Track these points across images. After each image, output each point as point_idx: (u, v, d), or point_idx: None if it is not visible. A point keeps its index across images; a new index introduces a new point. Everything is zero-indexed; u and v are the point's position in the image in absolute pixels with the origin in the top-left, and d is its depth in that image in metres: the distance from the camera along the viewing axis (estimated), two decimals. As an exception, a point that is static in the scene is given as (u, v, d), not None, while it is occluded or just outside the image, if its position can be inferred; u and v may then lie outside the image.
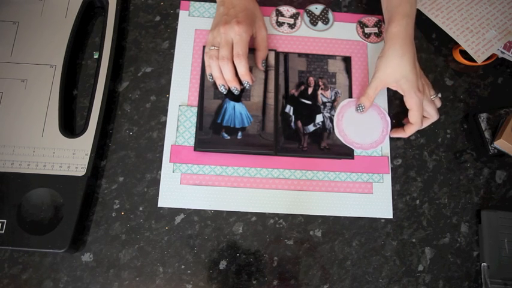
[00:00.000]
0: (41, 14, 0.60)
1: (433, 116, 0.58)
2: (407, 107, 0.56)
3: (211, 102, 0.59)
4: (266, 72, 0.61)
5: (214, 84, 0.59)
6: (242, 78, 0.56)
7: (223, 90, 0.57)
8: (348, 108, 0.61)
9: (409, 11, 0.55)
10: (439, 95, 0.60)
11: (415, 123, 0.57)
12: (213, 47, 0.56)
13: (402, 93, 0.56)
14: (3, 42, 0.58)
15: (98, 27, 0.63)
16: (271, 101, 0.60)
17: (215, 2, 0.65)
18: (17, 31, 0.59)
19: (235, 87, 0.57)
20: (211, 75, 0.57)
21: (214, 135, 0.58)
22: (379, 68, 0.57)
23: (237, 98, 0.60)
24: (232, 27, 0.54)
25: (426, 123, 0.59)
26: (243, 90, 0.60)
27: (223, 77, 0.56)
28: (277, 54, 0.63)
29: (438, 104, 0.60)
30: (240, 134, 0.58)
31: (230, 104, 0.59)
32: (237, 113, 0.59)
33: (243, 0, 0.57)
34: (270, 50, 0.63)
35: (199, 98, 0.60)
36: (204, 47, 0.62)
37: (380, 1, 0.62)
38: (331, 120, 0.60)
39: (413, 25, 0.56)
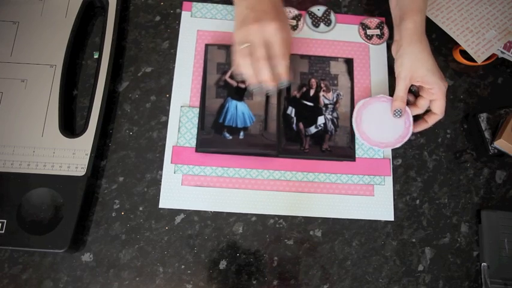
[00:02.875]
0: (41, 14, 0.60)
1: (441, 113, 0.57)
2: (433, 98, 0.56)
3: (213, 102, 0.59)
4: None
5: (217, 83, 0.59)
6: (280, 78, 0.52)
7: (258, 89, 0.53)
8: (363, 110, 0.60)
9: (422, 6, 0.56)
10: None
11: (441, 113, 0.57)
12: (245, 45, 0.51)
13: (428, 87, 0.56)
14: (3, 42, 0.58)
15: (98, 27, 0.63)
16: (273, 100, 0.60)
17: (217, 3, 0.65)
18: (17, 31, 0.59)
19: (273, 88, 0.52)
20: (240, 74, 0.53)
21: (216, 135, 0.58)
22: (402, 66, 0.56)
23: (239, 97, 0.59)
24: (264, 25, 0.50)
25: (433, 121, 0.58)
26: (245, 89, 0.59)
27: (257, 76, 0.52)
28: None
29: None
30: (242, 133, 0.58)
31: (232, 104, 0.59)
32: (239, 112, 0.59)
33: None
34: None
35: (201, 98, 0.60)
36: (206, 45, 0.61)
37: (380, 2, 0.62)
38: (333, 122, 0.60)
39: (425, 20, 0.56)
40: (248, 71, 0.52)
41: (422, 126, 0.59)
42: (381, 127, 0.59)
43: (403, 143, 0.59)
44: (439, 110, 0.57)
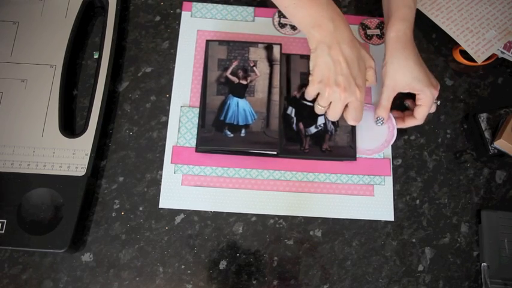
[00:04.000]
0: (41, 14, 0.60)
1: (421, 120, 0.57)
2: (419, 103, 0.56)
3: (213, 99, 0.59)
4: (271, 66, 0.60)
5: (218, 80, 0.59)
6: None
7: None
8: None
9: (407, 15, 0.55)
10: (438, 102, 0.60)
11: (420, 120, 0.57)
12: (322, 108, 0.54)
13: (416, 93, 0.56)
14: (3, 42, 0.58)
15: (98, 27, 0.63)
16: (276, 97, 0.59)
17: (217, 3, 0.65)
18: (17, 31, 0.59)
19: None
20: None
21: (216, 132, 0.57)
22: (387, 76, 0.56)
23: (240, 94, 0.59)
24: (353, 93, 0.51)
25: (410, 124, 0.59)
26: (246, 85, 0.59)
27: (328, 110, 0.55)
28: (280, 54, 0.62)
29: (433, 109, 0.59)
30: (243, 131, 0.57)
31: (233, 101, 0.59)
32: (241, 109, 0.58)
33: (354, 51, 0.51)
34: (275, 44, 0.61)
35: (201, 95, 0.59)
36: (207, 41, 0.61)
37: (380, 2, 0.62)
38: (333, 122, 0.60)
39: (412, 27, 0.56)
40: (321, 110, 0.55)
41: (401, 125, 0.59)
42: (365, 135, 0.60)
43: (388, 147, 0.60)
44: (420, 115, 0.57)
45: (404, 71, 0.55)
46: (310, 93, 0.54)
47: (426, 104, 0.56)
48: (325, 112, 0.55)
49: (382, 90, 0.57)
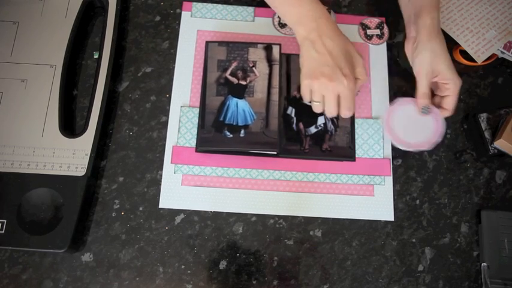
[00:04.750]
0: (41, 14, 0.60)
1: (452, 110, 0.57)
2: (448, 93, 0.56)
3: (213, 100, 0.59)
4: (270, 67, 0.61)
5: (217, 80, 0.59)
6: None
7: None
8: (393, 116, 0.58)
9: (437, 2, 0.56)
10: None
11: (451, 110, 0.56)
12: (318, 103, 0.54)
13: (445, 82, 0.55)
14: (3, 42, 0.58)
15: (98, 27, 0.63)
16: (275, 97, 0.59)
17: (217, 3, 0.65)
18: (17, 31, 0.59)
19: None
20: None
21: (216, 133, 0.57)
22: (423, 63, 0.55)
23: (240, 95, 0.59)
24: (340, 82, 0.51)
25: (443, 115, 0.58)
26: (246, 86, 0.59)
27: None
28: (280, 54, 0.62)
29: None
30: (242, 132, 0.57)
31: (233, 101, 0.59)
32: (240, 110, 0.58)
33: (336, 41, 0.52)
34: (275, 44, 0.62)
35: (201, 96, 0.59)
36: (206, 42, 0.61)
37: (380, 2, 0.62)
38: (333, 122, 0.60)
39: None
40: (318, 108, 0.55)
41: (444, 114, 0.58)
42: (412, 129, 0.58)
43: (437, 141, 0.57)
44: (450, 106, 0.56)
45: (440, 59, 0.55)
46: (303, 91, 0.54)
47: (454, 93, 0.55)
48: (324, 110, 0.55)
49: (418, 79, 0.56)
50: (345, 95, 0.52)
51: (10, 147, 0.54)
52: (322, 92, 0.53)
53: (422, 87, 0.56)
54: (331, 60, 0.51)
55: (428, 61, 0.55)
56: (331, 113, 0.54)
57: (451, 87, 0.55)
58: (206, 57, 0.60)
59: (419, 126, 0.58)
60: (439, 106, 0.57)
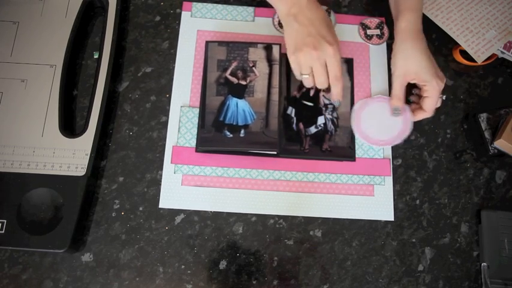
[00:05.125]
0: (41, 14, 0.60)
1: (430, 111, 0.58)
2: (426, 94, 0.56)
3: (213, 100, 0.59)
4: (270, 67, 0.61)
5: (217, 80, 0.59)
6: (335, 98, 0.56)
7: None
8: (362, 111, 0.60)
9: (416, 5, 0.56)
10: (444, 97, 0.60)
11: (429, 111, 0.57)
12: (307, 76, 0.54)
13: (422, 84, 0.56)
14: (3, 42, 0.58)
15: (98, 27, 0.63)
16: (275, 97, 0.59)
17: (217, 3, 0.65)
18: (17, 31, 0.59)
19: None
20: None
21: (216, 133, 0.57)
22: (396, 65, 0.57)
23: (240, 94, 0.59)
24: (325, 50, 0.52)
25: (420, 116, 0.59)
26: (246, 86, 0.59)
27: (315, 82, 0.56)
28: (280, 54, 0.62)
29: (438, 104, 0.60)
30: (242, 131, 0.58)
31: (233, 101, 0.59)
32: (240, 109, 0.58)
33: (316, 12, 0.53)
34: (275, 44, 0.62)
35: (201, 96, 0.59)
36: (206, 42, 0.61)
37: (380, 2, 0.62)
38: (333, 122, 0.60)
39: (421, 18, 0.57)
40: (308, 82, 0.56)
41: (421, 115, 0.59)
42: (380, 126, 0.60)
43: (403, 139, 0.59)
44: (429, 107, 0.57)
45: (413, 61, 0.55)
46: (292, 67, 0.55)
47: (433, 95, 0.56)
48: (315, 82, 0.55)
49: (392, 80, 0.58)
50: (331, 62, 0.53)
51: (10, 147, 0.54)
52: (309, 64, 0.53)
53: (394, 89, 0.58)
54: (313, 30, 0.52)
55: (400, 63, 0.56)
56: (322, 83, 0.54)
57: (428, 89, 0.56)
58: (206, 57, 0.60)
59: (386, 124, 0.60)
60: (420, 107, 0.58)
